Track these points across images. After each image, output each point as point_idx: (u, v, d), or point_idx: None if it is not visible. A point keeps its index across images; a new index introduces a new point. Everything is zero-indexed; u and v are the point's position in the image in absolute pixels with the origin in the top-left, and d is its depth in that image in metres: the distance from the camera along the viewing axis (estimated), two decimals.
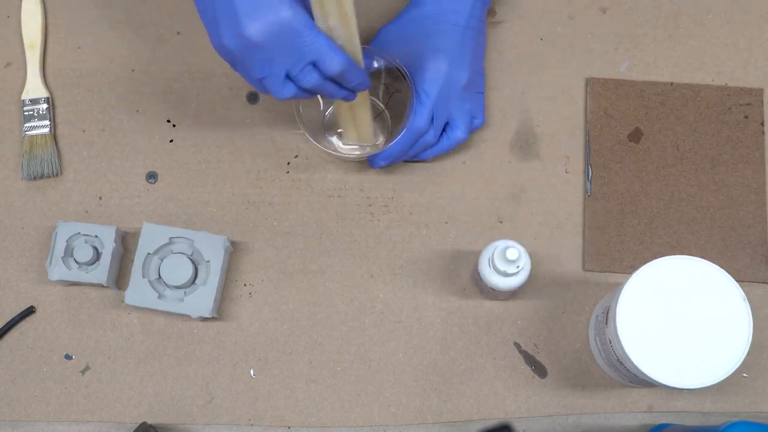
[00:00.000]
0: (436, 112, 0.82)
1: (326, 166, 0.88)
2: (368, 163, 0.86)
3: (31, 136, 0.88)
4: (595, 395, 0.83)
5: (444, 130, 0.84)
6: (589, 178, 0.87)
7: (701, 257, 0.73)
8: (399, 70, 0.81)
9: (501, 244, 0.76)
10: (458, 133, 0.84)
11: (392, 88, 0.86)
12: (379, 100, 0.87)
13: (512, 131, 0.89)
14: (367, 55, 0.82)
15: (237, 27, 0.67)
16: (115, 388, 0.84)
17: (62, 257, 0.83)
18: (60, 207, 0.87)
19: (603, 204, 0.87)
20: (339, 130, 0.86)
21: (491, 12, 0.91)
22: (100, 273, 0.83)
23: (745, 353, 0.70)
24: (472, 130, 0.87)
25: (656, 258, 0.73)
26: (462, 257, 0.86)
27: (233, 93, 0.90)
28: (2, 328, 0.84)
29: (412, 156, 0.85)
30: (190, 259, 0.83)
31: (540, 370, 0.84)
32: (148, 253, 0.83)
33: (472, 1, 0.82)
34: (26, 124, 0.88)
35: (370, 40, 0.87)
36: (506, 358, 0.84)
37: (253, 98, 0.90)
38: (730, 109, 0.89)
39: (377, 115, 0.87)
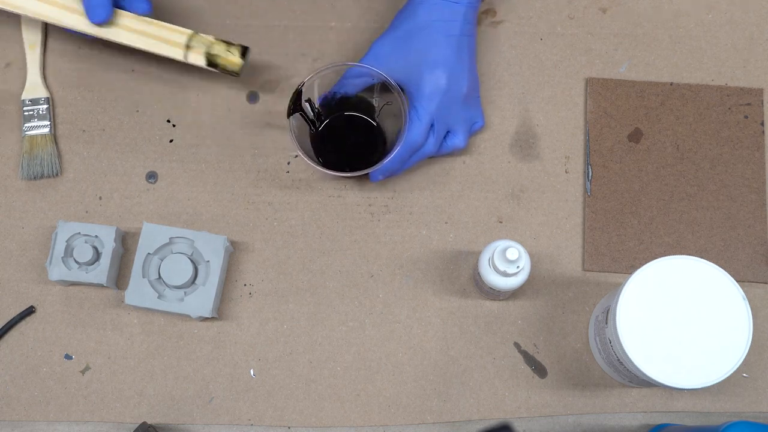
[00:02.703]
0: (436, 124, 0.82)
1: None
2: (370, 178, 0.86)
3: (31, 136, 0.88)
4: (595, 395, 0.83)
5: (444, 137, 0.84)
6: (589, 178, 0.87)
7: (701, 257, 0.73)
8: (388, 84, 0.81)
9: (501, 244, 0.76)
10: (457, 141, 0.84)
11: (381, 101, 0.85)
12: (373, 112, 0.86)
13: (512, 131, 0.89)
14: (358, 72, 0.82)
15: None
16: (115, 388, 0.84)
17: (62, 257, 0.83)
18: (60, 207, 0.87)
19: (603, 204, 0.87)
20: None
21: (491, 12, 0.91)
22: (100, 273, 0.83)
23: (745, 353, 0.70)
24: (473, 133, 0.87)
25: (656, 258, 0.73)
26: (462, 257, 0.86)
27: (233, 93, 0.90)
28: (2, 328, 0.84)
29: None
30: (190, 259, 0.83)
31: (540, 370, 0.84)
32: (148, 253, 0.83)
33: (464, 9, 0.81)
34: (26, 124, 0.88)
35: (363, 53, 0.85)
36: (506, 358, 0.84)
37: (253, 98, 0.90)
38: (730, 109, 0.89)
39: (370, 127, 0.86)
